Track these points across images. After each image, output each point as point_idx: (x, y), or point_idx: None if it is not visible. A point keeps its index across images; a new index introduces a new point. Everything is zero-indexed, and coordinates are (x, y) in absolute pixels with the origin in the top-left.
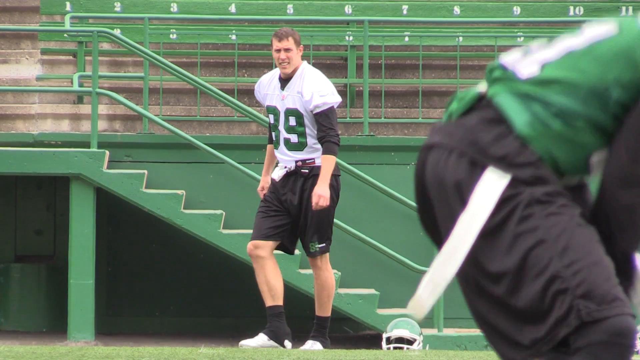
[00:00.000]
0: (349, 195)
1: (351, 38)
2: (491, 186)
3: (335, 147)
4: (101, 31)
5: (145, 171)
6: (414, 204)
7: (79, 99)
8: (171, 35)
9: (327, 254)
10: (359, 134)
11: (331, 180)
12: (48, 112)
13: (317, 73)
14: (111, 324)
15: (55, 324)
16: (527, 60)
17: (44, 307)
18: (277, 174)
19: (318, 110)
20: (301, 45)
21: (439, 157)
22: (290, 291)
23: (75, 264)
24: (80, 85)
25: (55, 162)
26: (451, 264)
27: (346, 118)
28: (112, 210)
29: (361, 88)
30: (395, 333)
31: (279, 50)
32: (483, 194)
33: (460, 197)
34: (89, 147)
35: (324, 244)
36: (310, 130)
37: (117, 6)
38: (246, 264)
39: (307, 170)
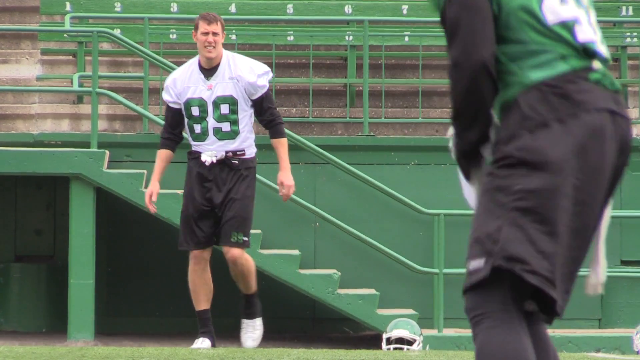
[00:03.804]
0: (349, 195)
1: (351, 38)
2: None
3: (284, 128)
4: (101, 31)
5: (145, 171)
6: (414, 204)
7: (79, 99)
8: (171, 35)
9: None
10: (359, 134)
11: (253, 173)
12: (48, 112)
13: (246, 57)
14: (111, 324)
15: (55, 324)
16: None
17: (44, 307)
18: (208, 158)
19: (262, 92)
20: (224, 33)
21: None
22: (290, 291)
23: (75, 264)
24: (80, 85)
25: (55, 162)
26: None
27: (346, 118)
28: (112, 210)
29: (361, 88)
30: (395, 333)
31: (206, 33)
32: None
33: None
34: (89, 147)
35: (247, 239)
36: (243, 116)
37: (117, 6)
38: None
39: (237, 162)
